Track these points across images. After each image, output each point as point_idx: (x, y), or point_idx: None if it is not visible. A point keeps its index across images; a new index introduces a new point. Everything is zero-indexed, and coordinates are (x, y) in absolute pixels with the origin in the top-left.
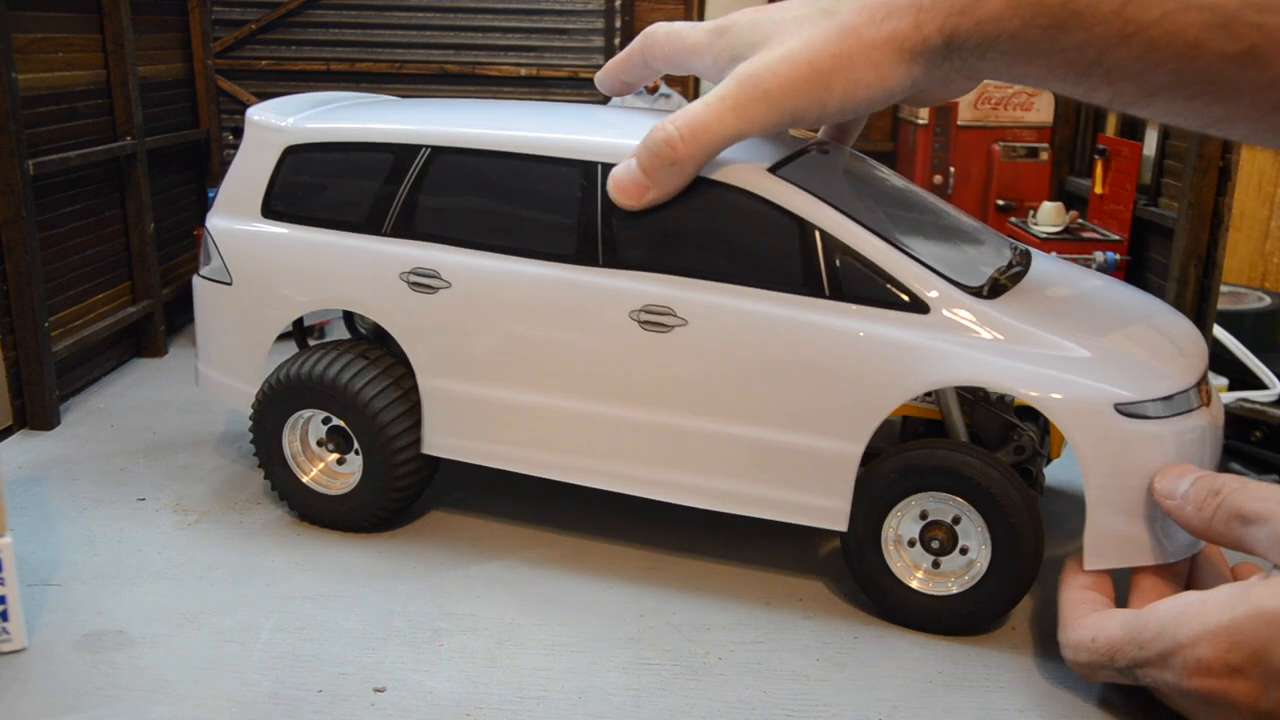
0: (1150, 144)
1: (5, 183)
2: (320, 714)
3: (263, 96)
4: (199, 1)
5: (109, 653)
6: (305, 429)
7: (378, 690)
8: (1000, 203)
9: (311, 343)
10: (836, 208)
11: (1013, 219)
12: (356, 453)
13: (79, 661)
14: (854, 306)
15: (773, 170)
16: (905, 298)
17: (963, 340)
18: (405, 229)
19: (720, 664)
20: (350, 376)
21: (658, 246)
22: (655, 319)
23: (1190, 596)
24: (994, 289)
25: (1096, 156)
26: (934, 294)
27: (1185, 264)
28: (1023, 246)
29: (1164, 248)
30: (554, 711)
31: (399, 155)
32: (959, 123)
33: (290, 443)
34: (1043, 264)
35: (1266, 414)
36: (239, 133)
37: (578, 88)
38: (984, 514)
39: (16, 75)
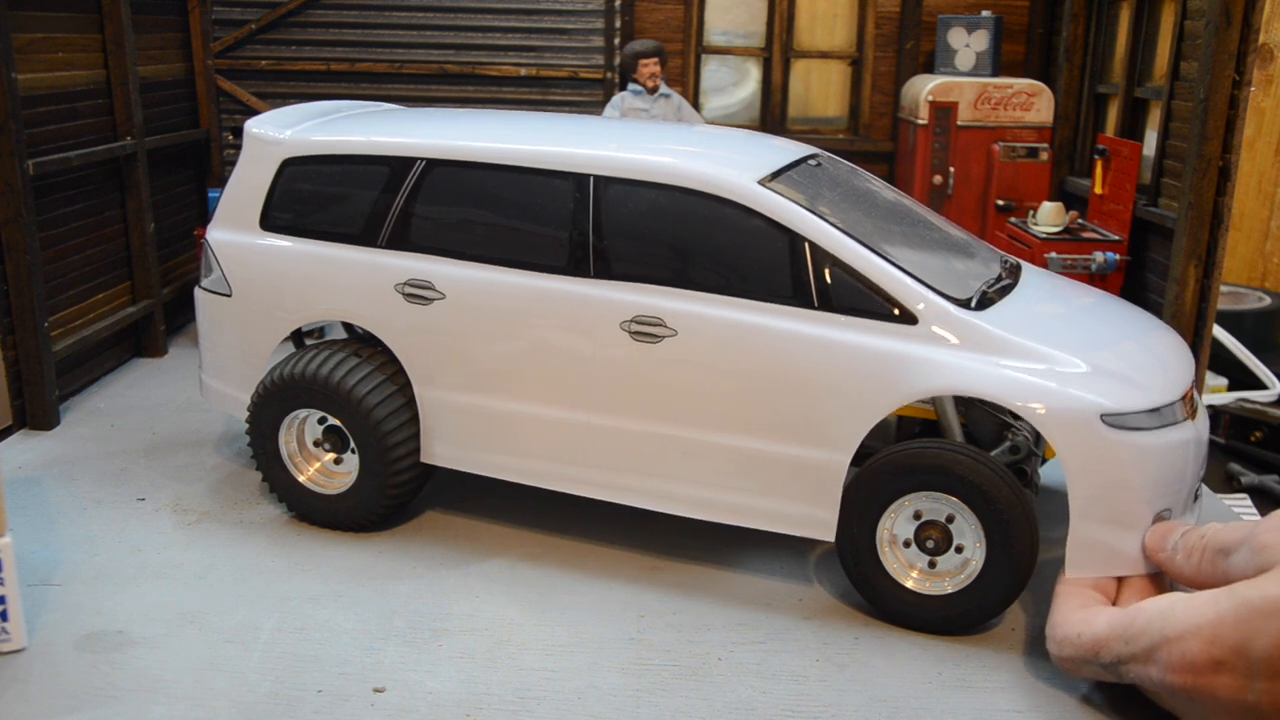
0: (1150, 144)
1: (5, 183)
2: (320, 714)
3: (263, 96)
4: (199, 1)
5: (109, 653)
6: (301, 429)
7: (378, 690)
8: (1000, 203)
9: (309, 342)
10: (826, 219)
11: (1013, 219)
12: (353, 452)
13: (79, 661)
14: (842, 317)
15: (764, 182)
16: (893, 309)
17: (950, 351)
18: (400, 241)
19: (720, 664)
20: (344, 375)
21: (649, 258)
22: (645, 329)
23: (1177, 595)
24: (982, 301)
25: (1096, 156)
26: (922, 305)
27: (1185, 264)
28: (1013, 260)
29: (1164, 248)
30: (554, 711)
31: (395, 167)
32: (959, 123)
33: (286, 442)
34: (1032, 278)
35: (1266, 414)
36: (239, 132)
37: (577, 88)
38: (977, 511)
39: (16, 75)
